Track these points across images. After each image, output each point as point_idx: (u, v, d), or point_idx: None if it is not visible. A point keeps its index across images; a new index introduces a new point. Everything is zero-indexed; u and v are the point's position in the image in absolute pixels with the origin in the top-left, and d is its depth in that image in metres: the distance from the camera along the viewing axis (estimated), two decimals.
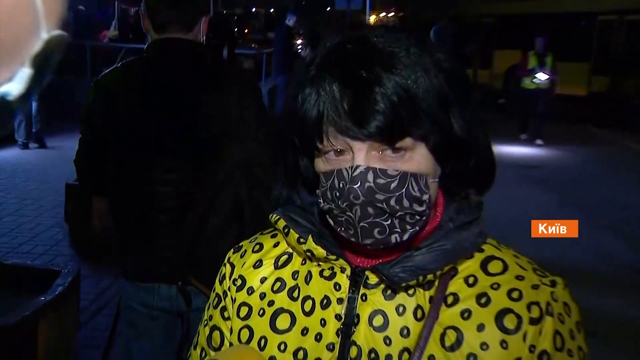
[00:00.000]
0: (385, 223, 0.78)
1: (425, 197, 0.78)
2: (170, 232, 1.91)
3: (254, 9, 30.19)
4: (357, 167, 0.77)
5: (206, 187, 1.88)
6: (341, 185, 0.78)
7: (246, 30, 22.75)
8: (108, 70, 2.00)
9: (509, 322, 0.80)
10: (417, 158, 0.78)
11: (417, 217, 0.79)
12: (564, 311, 0.82)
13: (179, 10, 1.90)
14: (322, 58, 0.80)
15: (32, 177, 6.76)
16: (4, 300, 2.72)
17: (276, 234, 0.96)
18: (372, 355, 0.82)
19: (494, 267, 0.84)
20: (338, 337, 0.84)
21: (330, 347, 0.84)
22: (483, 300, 0.82)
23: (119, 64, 2.00)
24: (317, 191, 0.83)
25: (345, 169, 0.78)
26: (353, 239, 0.80)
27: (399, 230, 0.79)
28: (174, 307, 1.96)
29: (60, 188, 5.16)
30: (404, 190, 0.77)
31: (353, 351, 0.83)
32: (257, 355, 0.86)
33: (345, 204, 0.78)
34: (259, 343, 0.89)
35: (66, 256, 4.64)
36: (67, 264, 3.77)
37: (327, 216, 0.82)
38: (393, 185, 0.77)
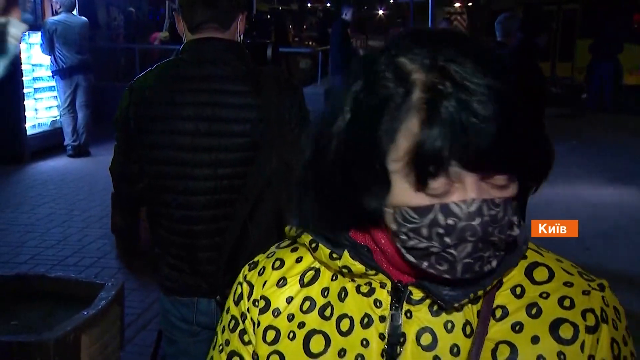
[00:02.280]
0: (485, 255, 0.76)
1: (516, 219, 0.77)
2: (208, 244, 1.94)
3: (309, 5, 30.41)
4: (473, 201, 0.73)
5: (245, 197, 1.90)
6: (450, 221, 0.73)
7: (304, 27, 22.93)
8: (142, 73, 2.06)
9: (565, 331, 0.80)
10: (514, 184, 0.77)
11: (508, 243, 0.78)
12: (615, 316, 0.83)
13: (214, 9, 1.93)
14: (419, 81, 0.73)
15: (80, 186, 7.06)
16: (46, 314, 2.84)
17: (297, 248, 0.94)
18: None
19: (540, 274, 0.84)
20: (383, 358, 0.82)
21: None
22: (534, 311, 0.81)
23: (153, 67, 2.05)
24: (395, 226, 0.77)
25: (455, 203, 0.73)
26: (446, 275, 0.77)
27: (491, 259, 0.77)
28: (214, 322, 1.99)
29: (108, 198, 5.35)
30: (506, 218, 0.76)
31: None
32: None
33: (455, 242, 0.74)
34: None
35: (113, 269, 4.81)
36: (112, 277, 3.90)
37: (406, 251, 0.78)
38: (500, 214, 0.75)
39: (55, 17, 8.14)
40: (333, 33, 10.82)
